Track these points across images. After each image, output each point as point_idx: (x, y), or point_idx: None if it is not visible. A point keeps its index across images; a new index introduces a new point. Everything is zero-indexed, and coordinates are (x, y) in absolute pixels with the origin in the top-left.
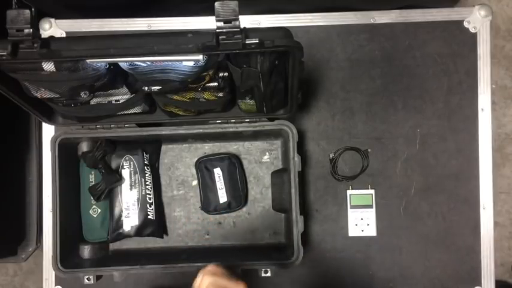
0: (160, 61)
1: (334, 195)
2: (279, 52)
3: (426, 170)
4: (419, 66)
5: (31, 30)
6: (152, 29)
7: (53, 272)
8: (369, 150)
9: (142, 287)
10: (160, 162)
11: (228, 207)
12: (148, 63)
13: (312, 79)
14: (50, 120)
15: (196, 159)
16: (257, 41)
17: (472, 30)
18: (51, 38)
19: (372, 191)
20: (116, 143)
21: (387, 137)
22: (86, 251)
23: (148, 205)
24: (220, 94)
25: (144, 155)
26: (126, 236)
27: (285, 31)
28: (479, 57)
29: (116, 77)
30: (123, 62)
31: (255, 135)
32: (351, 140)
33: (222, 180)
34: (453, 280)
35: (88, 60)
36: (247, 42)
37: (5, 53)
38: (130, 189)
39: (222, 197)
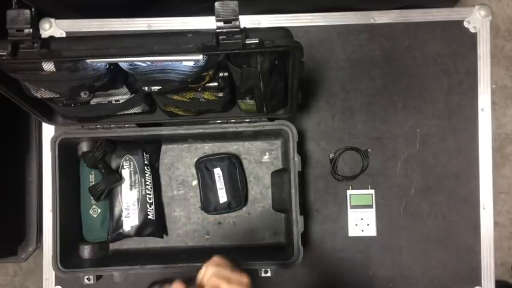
0: (160, 61)
1: (334, 195)
2: (279, 52)
3: (426, 170)
4: (419, 66)
5: (31, 30)
6: (152, 29)
7: (53, 272)
8: (369, 150)
9: (142, 287)
10: (160, 162)
11: (228, 207)
12: (148, 63)
13: (312, 79)
14: (50, 120)
15: (196, 159)
16: (257, 41)
17: (472, 30)
18: (51, 38)
19: (372, 191)
20: (116, 143)
21: (387, 137)
22: (86, 251)
23: (148, 205)
24: (220, 94)
25: (144, 155)
26: (126, 236)
27: (285, 31)
28: (479, 57)
29: (116, 77)
30: (123, 62)
31: (255, 135)
32: (351, 140)
33: (222, 180)
34: (453, 280)
35: (88, 60)
36: (247, 42)
37: (5, 53)
38: (130, 189)
39: (222, 197)
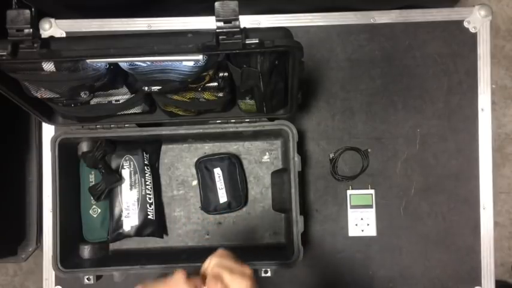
0: (160, 61)
1: (334, 195)
2: (279, 52)
3: (426, 170)
4: (419, 66)
5: (31, 30)
6: (152, 29)
7: (53, 272)
8: (369, 150)
9: None
10: (160, 162)
11: (228, 207)
12: (148, 63)
13: (312, 79)
14: (50, 120)
15: (196, 159)
16: (257, 41)
17: (472, 30)
18: (51, 38)
19: (372, 191)
20: (116, 143)
21: (387, 137)
22: (86, 251)
23: (148, 205)
24: (220, 94)
25: (144, 155)
26: (126, 236)
27: (285, 31)
28: (479, 57)
29: (116, 77)
30: (123, 62)
31: (255, 135)
32: (351, 140)
33: (222, 180)
34: (453, 280)
35: (88, 60)
36: (247, 42)
37: (5, 53)
38: (130, 189)
39: (222, 197)
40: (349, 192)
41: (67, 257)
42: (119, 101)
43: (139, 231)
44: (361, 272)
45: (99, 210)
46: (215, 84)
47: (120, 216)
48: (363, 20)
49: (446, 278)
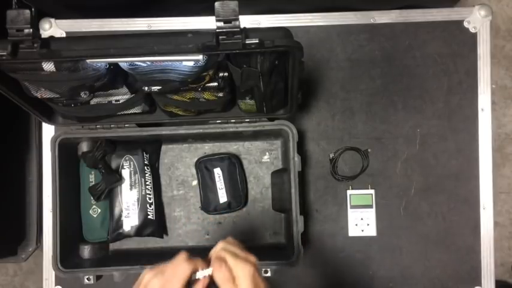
0: (160, 61)
1: (334, 195)
2: (279, 52)
3: (426, 170)
4: (419, 66)
5: (31, 30)
6: (152, 29)
7: (53, 272)
8: (369, 150)
9: None
10: (160, 162)
11: (228, 207)
12: (148, 63)
13: (312, 79)
14: (50, 120)
15: (196, 159)
16: (257, 41)
17: (472, 30)
18: (51, 38)
19: (372, 191)
20: (116, 143)
21: (387, 137)
22: (86, 251)
23: (148, 205)
24: (220, 94)
25: (144, 155)
26: (126, 236)
27: (285, 31)
28: (479, 57)
29: (116, 77)
30: (123, 62)
31: (255, 135)
32: (351, 140)
33: (222, 180)
34: (453, 280)
35: (88, 60)
36: (247, 42)
37: (5, 53)
38: (130, 189)
39: (222, 197)
40: (349, 192)
41: (67, 257)
42: (119, 101)
43: (139, 231)
44: (361, 272)
45: (99, 210)
46: (215, 84)
47: (120, 216)
48: (363, 20)
49: (446, 278)
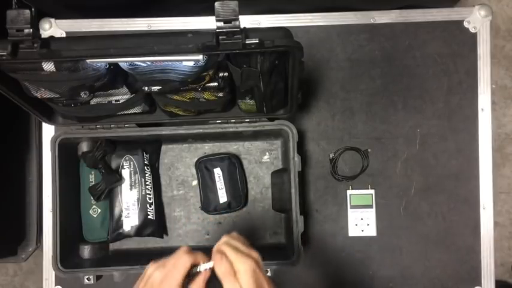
0: (160, 61)
1: (334, 195)
2: (279, 52)
3: (426, 170)
4: (419, 66)
5: (31, 30)
6: (152, 29)
7: (53, 272)
8: (369, 150)
9: None
10: (160, 162)
11: (228, 207)
12: (148, 63)
13: (312, 79)
14: (50, 120)
15: (196, 159)
16: (257, 41)
17: (472, 30)
18: (51, 38)
19: (372, 191)
20: (116, 143)
21: (387, 137)
22: (86, 251)
23: (148, 205)
24: (220, 94)
25: (144, 155)
26: (126, 236)
27: (285, 31)
28: (479, 57)
29: (116, 77)
30: (123, 62)
31: (255, 135)
32: (351, 140)
33: (222, 180)
34: (453, 280)
35: (88, 60)
36: (247, 42)
37: (5, 53)
38: (130, 189)
39: (222, 197)
40: (349, 192)
41: (67, 257)
42: (119, 101)
43: (139, 231)
44: (361, 272)
45: (99, 210)
46: (215, 84)
47: (120, 216)
48: (363, 20)
49: (446, 278)
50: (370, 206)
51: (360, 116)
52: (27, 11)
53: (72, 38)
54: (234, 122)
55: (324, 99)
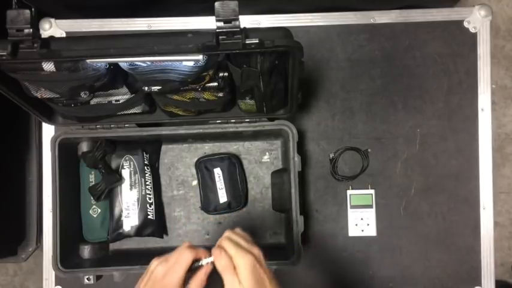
0: (160, 61)
1: (334, 195)
2: (279, 52)
3: (426, 170)
4: (419, 66)
5: (31, 30)
6: (152, 29)
7: (53, 272)
8: (369, 150)
9: None
10: (160, 162)
11: (228, 207)
12: (148, 63)
13: (312, 79)
14: (50, 120)
15: (196, 159)
16: (257, 41)
17: (472, 30)
18: (51, 38)
19: (372, 191)
20: (116, 143)
21: (387, 137)
22: (86, 251)
23: (148, 205)
24: (220, 94)
25: (144, 155)
26: (126, 236)
27: (285, 31)
28: (479, 57)
29: (116, 77)
30: (123, 62)
31: (255, 135)
32: (351, 140)
33: (222, 180)
34: (453, 280)
35: (88, 60)
36: (247, 42)
37: (5, 53)
38: (130, 189)
39: (222, 197)
40: (349, 192)
41: (67, 257)
42: (119, 101)
43: (139, 231)
44: (361, 271)
45: (99, 210)
46: (215, 84)
47: (120, 216)
48: (363, 20)
49: (446, 278)
50: (370, 206)
51: (360, 116)
52: (27, 11)
53: (72, 38)
54: (234, 122)
55: (324, 99)
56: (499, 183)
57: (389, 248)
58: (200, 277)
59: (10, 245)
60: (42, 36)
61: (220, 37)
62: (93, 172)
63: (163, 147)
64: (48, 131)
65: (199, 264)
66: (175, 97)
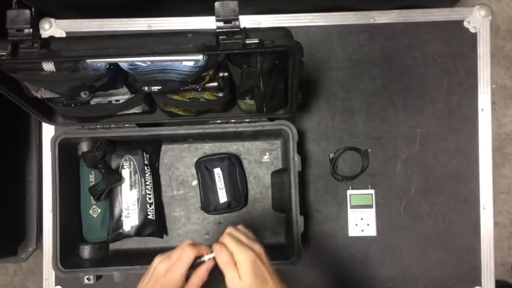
0: (160, 61)
1: (334, 195)
2: (279, 52)
3: (426, 170)
4: (419, 66)
5: (31, 30)
6: (152, 29)
7: (53, 272)
8: (369, 150)
9: None
10: (160, 162)
11: (228, 207)
12: (148, 63)
13: (312, 79)
14: (50, 120)
15: (196, 159)
16: (257, 41)
17: (472, 30)
18: (51, 38)
19: (372, 191)
20: (116, 143)
21: (387, 137)
22: (86, 251)
23: (148, 205)
24: (220, 94)
25: (144, 155)
26: (126, 236)
27: (285, 31)
28: (479, 57)
29: (116, 77)
30: (123, 62)
31: (255, 135)
32: (351, 140)
33: (222, 180)
34: (453, 280)
35: (88, 60)
36: (247, 42)
37: (5, 53)
38: (130, 189)
39: (222, 197)
40: (349, 192)
41: (67, 257)
42: (119, 101)
43: (139, 231)
44: (361, 271)
45: (99, 210)
46: (215, 84)
47: (120, 216)
48: (363, 20)
49: (446, 278)
50: (370, 206)
51: (360, 116)
52: (27, 11)
53: (72, 38)
54: (234, 122)
55: (324, 99)
56: (499, 183)
57: (389, 248)
58: (201, 272)
59: (10, 245)
60: (42, 36)
61: (220, 37)
62: (93, 172)
63: (163, 147)
64: (48, 131)
65: (201, 260)
66: (175, 97)
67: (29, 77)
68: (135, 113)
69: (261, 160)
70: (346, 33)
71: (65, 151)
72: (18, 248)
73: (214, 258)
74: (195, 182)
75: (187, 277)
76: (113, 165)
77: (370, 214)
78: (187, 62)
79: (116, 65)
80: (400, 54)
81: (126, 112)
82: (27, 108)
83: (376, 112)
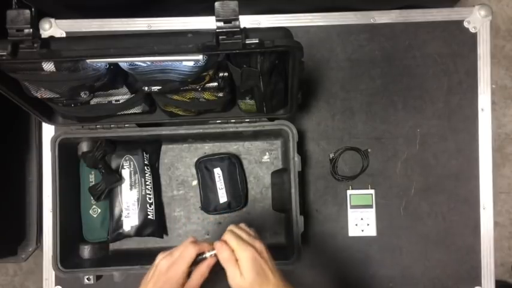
0: (160, 61)
1: (334, 195)
2: (279, 52)
3: (426, 170)
4: (419, 66)
5: (31, 30)
6: (152, 29)
7: (53, 272)
8: (369, 150)
9: None
10: (160, 162)
11: (228, 207)
12: (148, 63)
13: (312, 79)
14: (50, 120)
15: (196, 159)
16: (257, 41)
17: (472, 30)
18: (51, 38)
19: (372, 191)
20: (116, 143)
21: (387, 137)
22: (86, 251)
23: (148, 205)
24: (220, 94)
25: (144, 155)
26: (126, 236)
27: (285, 31)
28: (479, 57)
29: (116, 77)
30: (123, 62)
31: (255, 135)
32: (351, 140)
33: (222, 180)
34: (453, 280)
35: (88, 60)
36: (247, 42)
37: (5, 53)
38: (130, 189)
39: (222, 197)
40: (349, 192)
41: (67, 257)
42: (119, 101)
43: (139, 231)
44: (362, 271)
45: (99, 210)
46: (215, 84)
47: (120, 216)
48: (363, 20)
49: (446, 278)
50: (370, 206)
51: (360, 116)
52: (27, 11)
53: (72, 38)
54: (234, 122)
55: (324, 99)
56: (499, 183)
57: (389, 248)
58: (202, 269)
59: (10, 245)
60: (42, 36)
61: (220, 37)
62: (93, 172)
63: (163, 147)
64: (48, 131)
65: (203, 257)
66: (175, 97)
67: (29, 77)
68: (135, 113)
69: (261, 160)
70: (346, 33)
71: (65, 151)
72: (18, 248)
73: (215, 255)
74: (195, 182)
75: (189, 274)
76: (113, 165)
77: (370, 214)
78: (187, 62)
79: (116, 65)
80: (400, 54)
81: (126, 112)
82: (27, 108)
83: (376, 112)
